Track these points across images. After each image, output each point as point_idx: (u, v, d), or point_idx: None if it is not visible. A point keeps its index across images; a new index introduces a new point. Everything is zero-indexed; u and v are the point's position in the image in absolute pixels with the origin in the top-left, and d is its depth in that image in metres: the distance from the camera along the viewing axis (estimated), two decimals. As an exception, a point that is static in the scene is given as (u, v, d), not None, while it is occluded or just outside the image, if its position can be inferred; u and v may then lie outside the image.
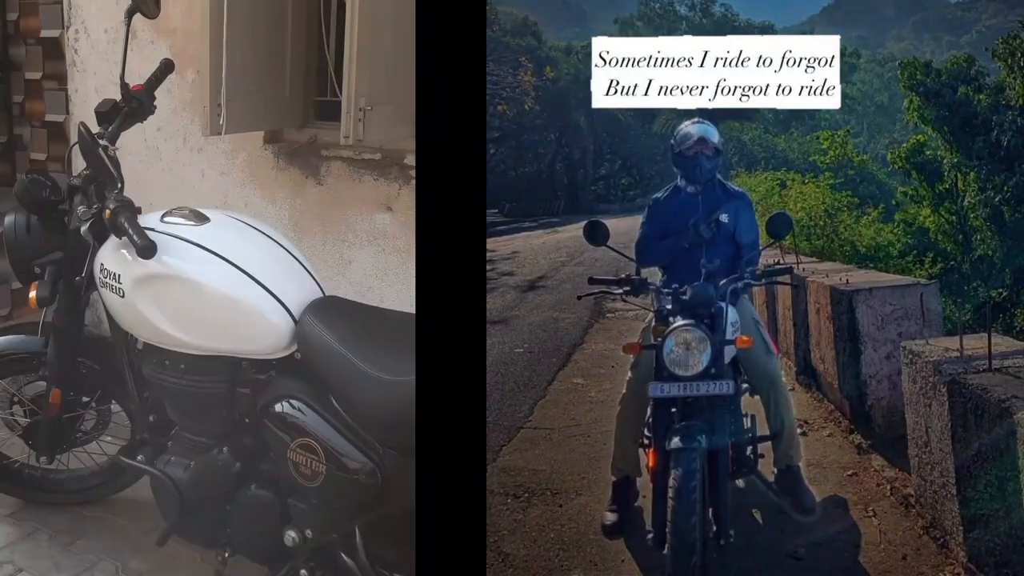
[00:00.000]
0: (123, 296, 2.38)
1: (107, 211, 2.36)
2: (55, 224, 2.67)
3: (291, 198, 3.91)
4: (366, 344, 2.25)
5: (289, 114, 3.88)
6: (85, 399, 2.90)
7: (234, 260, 2.38)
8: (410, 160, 3.60)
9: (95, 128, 2.65)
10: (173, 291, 2.36)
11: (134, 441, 2.73)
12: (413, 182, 3.61)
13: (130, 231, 2.27)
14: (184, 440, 2.50)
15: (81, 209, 2.51)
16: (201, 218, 2.48)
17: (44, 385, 2.84)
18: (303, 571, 2.37)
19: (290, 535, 2.36)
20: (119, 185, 2.53)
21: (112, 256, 2.43)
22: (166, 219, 2.44)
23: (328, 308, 2.40)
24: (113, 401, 2.94)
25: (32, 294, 2.65)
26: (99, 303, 2.63)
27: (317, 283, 2.52)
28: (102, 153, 2.52)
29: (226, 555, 2.48)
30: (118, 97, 2.69)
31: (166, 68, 2.83)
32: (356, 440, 2.25)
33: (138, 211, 2.43)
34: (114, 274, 2.41)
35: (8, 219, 2.72)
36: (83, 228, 2.47)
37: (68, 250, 2.62)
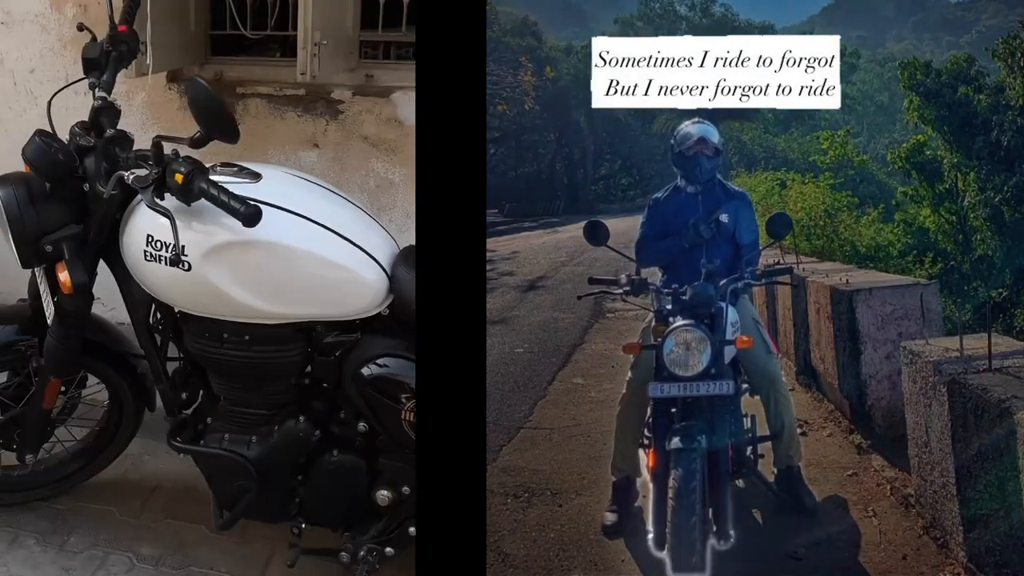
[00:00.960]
0: (188, 269, 2.13)
1: (178, 174, 2.05)
2: (69, 192, 2.33)
3: (202, 139, 3.64)
4: None
5: (195, 50, 3.62)
6: (63, 388, 2.67)
7: (317, 218, 2.20)
8: (337, 94, 3.46)
9: (81, 76, 2.44)
10: (255, 258, 2.15)
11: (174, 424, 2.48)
12: (341, 116, 3.46)
13: (222, 197, 2.01)
14: (236, 414, 2.35)
15: (130, 175, 2.15)
16: (253, 174, 2.25)
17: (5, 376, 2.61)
18: (412, 529, 2.33)
19: (383, 494, 2.32)
20: (132, 140, 2.32)
21: (166, 225, 2.10)
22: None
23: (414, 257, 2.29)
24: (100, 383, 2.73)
25: (63, 277, 2.30)
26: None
27: (388, 232, 2.41)
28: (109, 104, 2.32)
29: (302, 526, 2.40)
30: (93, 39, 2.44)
31: (134, 2, 2.59)
32: None
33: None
34: (170, 244, 2.11)
35: (4, 191, 2.31)
36: (148, 196, 2.10)
37: (96, 221, 2.31)
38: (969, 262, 10.71)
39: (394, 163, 3.45)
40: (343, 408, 2.35)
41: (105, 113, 2.38)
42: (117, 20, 2.50)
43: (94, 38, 2.52)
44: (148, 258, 2.20)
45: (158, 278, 2.23)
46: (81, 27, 2.56)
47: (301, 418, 2.33)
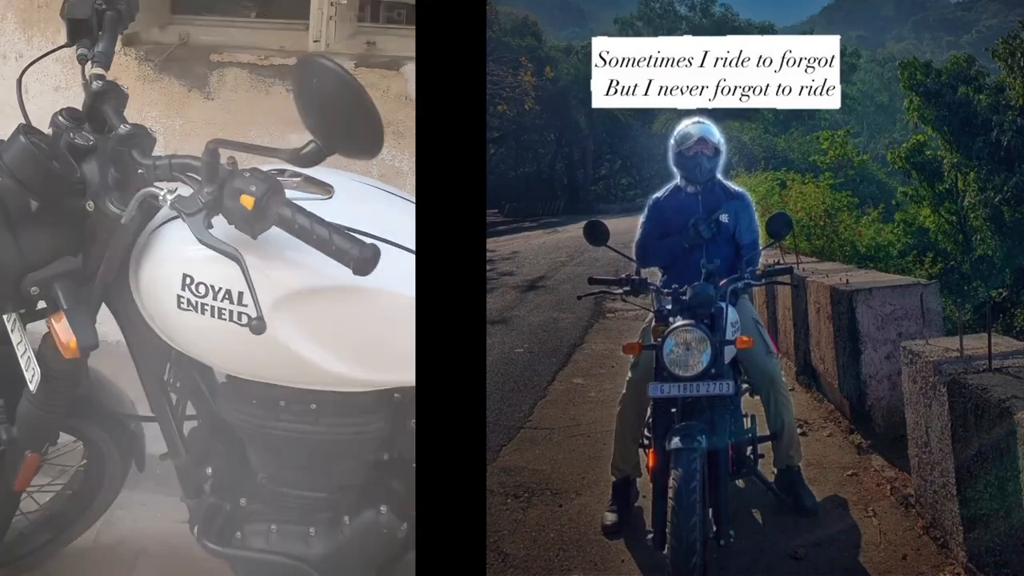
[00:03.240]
0: (247, 324, 1.54)
1: (245, 196, 1.44)
2: (64, 212, 1.66)
3: (168, 117, 2.97)
4: None
5: (158, 8, 3.05)
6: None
7: (412, 246, 1.67)
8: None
9: (65, 42, 1.80)
10: (344, 310, 1.60)
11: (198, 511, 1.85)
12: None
13: (323, 232, 1.44)
14: (283, 498, 1.80)
15: (167, 195, 1.52)
16: (323, 187, 1.67)
17: None
18: None
19: None
20: (153, 143, 1.68)
21: (220, 266, 1.51)
22: None
23: None
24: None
25: (64, 336, 1.63)
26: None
27: None
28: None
29: None
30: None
31: None
32: None
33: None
34: (220, 290, 1.55)
35: None
36: (199, 226, 1.48)
37: (106, 253, 1.67)
38: (969, 262, 10.74)
39: (402, 148, 2.84)
40: None
41: (108, 99, 1.74)
42: None
43: None
44: (184, 306, 1.59)
45: (197, 333, 1.63)
46: None
47: (383, 508, 1.81)
